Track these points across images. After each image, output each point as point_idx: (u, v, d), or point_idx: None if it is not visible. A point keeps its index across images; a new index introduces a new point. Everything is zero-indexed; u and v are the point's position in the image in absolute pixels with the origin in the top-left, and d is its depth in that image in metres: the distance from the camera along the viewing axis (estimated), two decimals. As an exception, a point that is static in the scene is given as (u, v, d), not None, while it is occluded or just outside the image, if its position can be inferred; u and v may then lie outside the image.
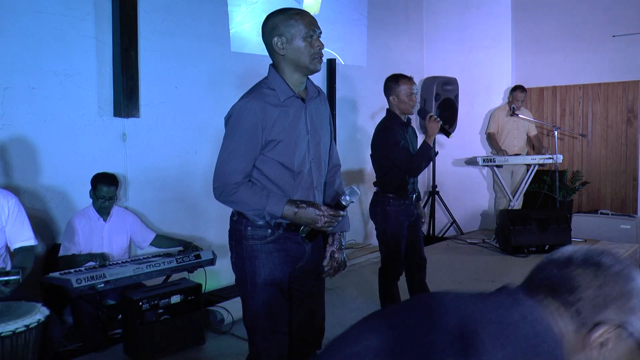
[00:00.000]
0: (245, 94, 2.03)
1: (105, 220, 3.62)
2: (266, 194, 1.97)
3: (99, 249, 3.57)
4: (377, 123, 3.45)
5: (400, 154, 3.21)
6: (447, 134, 3.45)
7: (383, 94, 3.40)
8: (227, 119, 2.01)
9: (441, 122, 3.27)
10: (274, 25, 2.00)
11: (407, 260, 3.43)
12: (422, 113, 3.35)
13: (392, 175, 3.30)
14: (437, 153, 3.39)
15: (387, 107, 3.38)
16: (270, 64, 2.08)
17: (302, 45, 1.98)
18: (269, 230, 2.03)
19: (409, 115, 3.39)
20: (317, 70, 2.04)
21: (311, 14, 2.06)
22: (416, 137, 3.49)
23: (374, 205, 3.41)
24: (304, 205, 1.97)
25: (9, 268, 2.78)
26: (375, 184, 3.43)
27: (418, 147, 3.28)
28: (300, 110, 2.05)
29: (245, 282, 2.06)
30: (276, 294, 2.05)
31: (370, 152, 3.54)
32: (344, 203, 2.00)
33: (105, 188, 3.53)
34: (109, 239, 3.62)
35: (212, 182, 2.00)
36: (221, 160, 1.99)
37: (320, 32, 2.03)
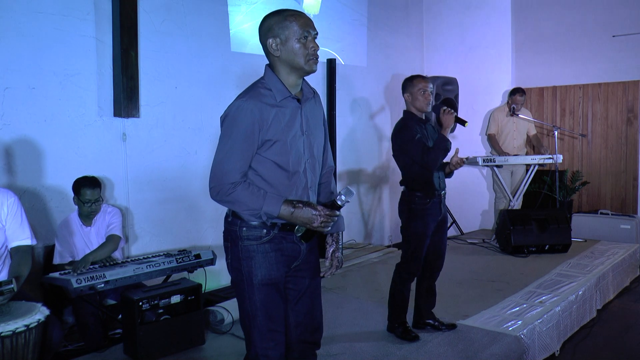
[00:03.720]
0: (241, 94, 2.02)
1: (89, 225, 3.57)
2: (263, 194, 1.96)
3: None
4: (395, 124, 3.46)
5: (416, 147, 3.23)
6: (463, 123, 3.45)
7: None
8: (224, 119, 2.00)
9: (455, 114, 3.32)
10: (269, 26, 2.01)
11: (425, 261, 3.42)
12: (436, 108, 3.39)
13: (416, 172, 3.31)
14: (464, 160, 3.40)
15: (404, 108, 3.42)
16: (267, 65, 2.08)
17: (296, 46, 1.98)
18: (264, 230, 2.02)
19: (427, 115, 3.43)
20: (313, 71, 2.05)
21: (308, 15, 2.06)
22: (436, 133, 3.49)
23: (401, 203, 3.40)
24: (300, 205, 1.97)
25: (7, 269, 2.77)
26: (401, 182, 3.42)
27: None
28: (296, 111, 2.05)
29: (241, 282, 2.06)
30: (273, 293, 2.05)
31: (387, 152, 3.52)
32: (339, 203, 2.01)
33: (89, 191, 3.46)
34: (97, 242, 3.57)
35: (209, 181, 1.99)
36: (218, 160, 1.98)
37: (317, 34, 2.03)
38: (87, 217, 3.56)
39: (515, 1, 6.92)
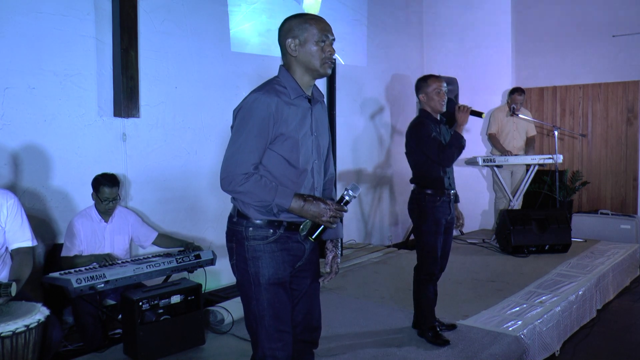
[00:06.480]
0: (257, 88, 2.06)
1: (107, 221, 3.62)
2: (275, 187, 1.99)
3: (101, 250, 3.56)
4: (410, 122, 3.43)
5: (431, 144, 3.24)
6: (480, 115, 3.42)
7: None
8: (238, 111, 2.04)
9: (471, 108, 3.32)
10: (290, 27, 2.07)
11: None
12: (450, 105, 3.36)
13: (426, 169, 3.31)
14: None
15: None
16: (281, 65, 2.13)
17: (314, 49, 2.06)
18: (271, 230, 2.04)
19: (442, 116, 3.42)
20: (327, 75, 2.12)
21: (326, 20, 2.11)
22: (449, 133, 3.49)
23: (411, 202, 3.40)
24: (310, 198, 2.01)
25: (7, 270, 2.77)
26: (411, 180, 3.42)
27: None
28: (307, 111, 2.09)
29: (248, 283, 2.06)
30: (280, 293, 2.06)
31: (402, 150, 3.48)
32: (347, 198, 2.05)
33: (107, 189, 3.51)
34: (110, 240, 3.61)
35: (220, 172, 2.00)
36: (231, 151, 2.00)
37: (334, 39, 2.11)
38: (104, 213, 3.59)
39: (515, 1, 6.92)
